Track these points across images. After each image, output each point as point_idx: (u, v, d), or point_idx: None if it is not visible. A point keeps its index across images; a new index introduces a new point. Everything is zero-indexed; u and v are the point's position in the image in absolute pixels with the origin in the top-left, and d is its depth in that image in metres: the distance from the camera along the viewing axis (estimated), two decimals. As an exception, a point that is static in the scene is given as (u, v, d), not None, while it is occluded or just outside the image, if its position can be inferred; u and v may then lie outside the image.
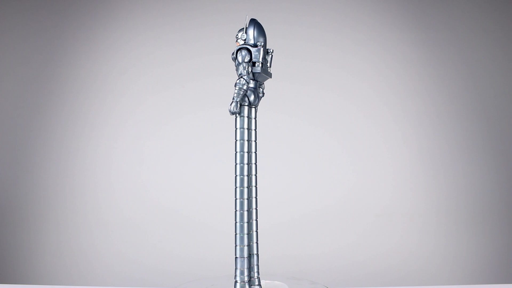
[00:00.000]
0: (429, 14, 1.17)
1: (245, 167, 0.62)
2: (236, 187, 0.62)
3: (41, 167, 1.16)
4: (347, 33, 1.16)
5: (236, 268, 0.62)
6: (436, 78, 1.15)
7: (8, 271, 1.14)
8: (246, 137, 0.62)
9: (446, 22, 1.17)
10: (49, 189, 1.15)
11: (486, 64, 1.16)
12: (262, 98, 0.65)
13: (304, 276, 0.92)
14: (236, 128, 0.62)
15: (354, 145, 1.15)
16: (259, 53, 0.62)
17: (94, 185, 1.15)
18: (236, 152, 0.62)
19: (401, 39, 1.16)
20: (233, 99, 0.60)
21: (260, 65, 0.62)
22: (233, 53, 0.63)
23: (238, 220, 0.61)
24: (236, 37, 0.64)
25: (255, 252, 0.64)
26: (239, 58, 0.62)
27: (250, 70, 0.62)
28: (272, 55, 0.65)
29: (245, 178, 0.62)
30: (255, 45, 0.62)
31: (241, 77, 0.61)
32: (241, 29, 0.63)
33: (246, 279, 0.61)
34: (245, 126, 0.62)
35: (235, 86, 0.60)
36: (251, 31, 0.63)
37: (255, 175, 0.65)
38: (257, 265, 0.64)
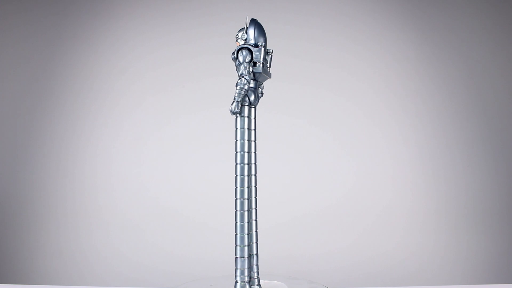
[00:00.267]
0: (429, 14, 1.17)
1: (246, 167, 0.62)
2: (236, 187, 0.62)
3: (41, 167, 1.16)
4: (347, 33, 1.16)
5: (236, 268, 0.62)
6: (436, 78, 1.15)
7: (8, 271, 1.14)
8: (246, 137, 0.62)
9: (446, 22, 1.17)
10: (49, 189, 1.15)
11: (486, 64, 1.16)
12: (262, 98, 0.65)
13: (304, 277, 0.92)
14: (236, 128, 0.62)
15: (354, 145, 1.15)
16: (260, 53, 0.62)
17: (94, 185, 1.15)
18: (236, 152, 0.62)
19: (401, 39, 1.16)
20: (234, 98, 0.60)
21: (261, 65, 0.62)
22: (233, 53, 0.63)
23: (238, 220, 0.61)
24: (236, 37, 0.64)
25: (254, 252, 0.64)
26: (240, 58, 0.62)
27: (251, 70, 0.62)
28: (271, 55, 0.65)
29: (246, 178, 0.62)
30: (256, 45, 0.62)
31: (243, 77, 0.61)
32: (241, 29, 0.63)
33: (246, 279, 0.61)
34: (246, 126, 0.62)
35: (236, 86, 0.60)
36: (251, 31, 0.63)
37: (255, 175, 0.65)
38: (257, 265, 0.64)
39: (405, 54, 1.16)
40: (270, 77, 0.66)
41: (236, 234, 0.61)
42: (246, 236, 0.61)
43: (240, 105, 0.60)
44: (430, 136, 1.14)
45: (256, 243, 0.64)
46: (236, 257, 0.61)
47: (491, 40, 1.16)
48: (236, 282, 0.62)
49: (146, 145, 1.16)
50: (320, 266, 1.11)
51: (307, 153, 1.15)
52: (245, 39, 0.63)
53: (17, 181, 1.16)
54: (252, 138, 0.64)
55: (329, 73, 1.16)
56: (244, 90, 0.60)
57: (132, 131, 1.16)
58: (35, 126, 1.16)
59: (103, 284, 1.10)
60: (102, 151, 1.16)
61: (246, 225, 0.61)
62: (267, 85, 0.67)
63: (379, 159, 1.15)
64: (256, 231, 0.65)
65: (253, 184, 0.64)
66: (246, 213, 0.61)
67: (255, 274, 0.64)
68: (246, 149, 0.62)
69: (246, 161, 0.62)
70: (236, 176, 0.62)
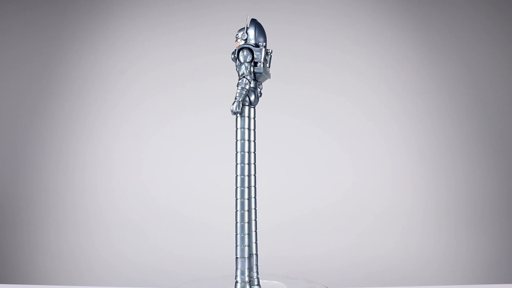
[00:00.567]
0: (429, 14, 1.17)
1: (246, 167, 0.62)
2: (236, 187, 0.61)
3: (41, 167, 1.15)
4: (347, 33, 1.16)
5: (236, 269, 0.61)
6: (436, 78, 1.15)
7: (8, 271, 1.14)
8: (246, 137, 0.62)
9: (446, 22, 1.17)
10: (49, 189, 1.15)
11: (486, 64, 1.16)
12: (261, 98, 0.65)
13: (304, 276, 0.92)
14: (236, 128, 0.62)
15: (354, 145, 1.15)
16: (261, 53, 0.62)
17: (94, 185, 1.15)
18: (236, 152, 0.62)
19: (401, 39, 1.16)
20: (235, 98, 0.60)
21: (262, 65, 0.62)
22: (233, 53, 0.63)
23: (238, 220, 0.61)
24: (236, 37, 0.64)
25: (254, 252, 0.64)
26: (241, 58, 0.62)
27: (252, 70, 0.62)
28: (271, 55, 0.65)
29: (246, 178, 0.61)
30: (256, 45, 0.62)
31: (244, 77, 0.61)
32: (241, 29, 0.63)
33: (246, 279, 0.61)
34: (246, 126, 0.62)
35: (237, 86, 0.60)
36: (251, 31, 0.63)
37: (254, 175, 0.65)
38: (256, 265, 0.64)
39: (405, 54, 1.16)
40: (270, 77, 0.66)
41: (236, 234, 0.61)
42: (246, 236, 0.61)
43: (241, 105, 0.60)
44: (430, 136, 1.14)
45: (256, 243, 0.64)
46: (237, 257, 0.61)
47: (491, 40, 1.16)
48: (236, 282, 0.61)
49: (146, 145, 1.16)
50: (320, 266, 1.11)
51: (307, 153, 1.15)
52: (245, 39, 0.63)
53: (17, 181, 1.16)
54: (252, 138, 0.64)
55: (329, 73, 1.16)
56: (245, 90, 0.60)
57: (132, 131, 1.16)
58: (35, 126, 1.16)
59: (103, 284, 1.10)
60: (102, 151, 1.16)
61: (246, 225, 0.61)
62: (267, 85, 0.67)
63: (379, 159, 1.15)
64: (256, 231, 0.64)
65: (252, 184, 0.64)
66: (246, 213, 0.61)
67: (255, 274, 0.64)
68: (246, 149, 0.62)
69: (246, 161, 0.62)
70: (237, 176, 0.61)
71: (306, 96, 1.16)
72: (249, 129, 0.62)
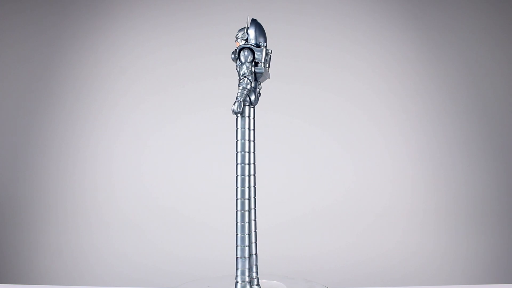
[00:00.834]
0: (429, 14, 1.17)
1: (246, 167, 0.61)
2: (237, 187, 0.61)
3: (41, 167, 1.15)
4: (347, 33, 1.16)
5: (237, 269, 0.61)
6: (436, 78, 1.15)
7: (8, 271, 1.14)
8: (247, 137, 0.62)
9: (446, 22, 1.17)
10: (49, 189, 1.15)
11: (486, 64, 1.16)
12: (261, 98, 0.65)
13: (303, 276, 0.92)
14: (237, 128, 0.62)
15: (354, 145, 1.15)
16: (262, 53, 0.62)
17: (94, 185, 1.15)
18: (237, 152, 0.62)
19: (401, 39, 1.16)
20: (236, 98, 0.60)
21: (263, 65, 0.62)
22: (233, 53, 0.63)
23: (239, 220, 0.61)
24: (236, 37, 0.64)
25: (254, 252, 0.64)
26: (242, 58, 0.62)
27: (253, 70, 0.62)
28: (270, 56, 0.65)
29: (246, 178, 0.61)
30: (257, 45, 0.62)
31: (245, 77, 0.61)
32: (241, 29, 0.63)
33: (247, 279, 0.61)
34: (246, 126, 0.62)
35: (239, 86, 0.60)
36: (252, 31, 0.63)
37: (254, 175, 0.65)
38: (256, 265, 0.64)
39: (405, 54, 1.16)
40: (269, 78, 0.66)
41: (236, 235, 0.61)
42: (246, 236, 0.61)
43: (242, 105, 0.60)
44: (430, 136, 1.14)
45: (256, 243, 0.64)
46: (237, 257, 0.61)
47: (491, 40, 1.16)
48: (236, 282, 0.61)
49: (146, 145, 1.16)
50: (320, 266, 1.11)
51: (307, 153, 1.15)
52: (246, 39, 0.63)
53: (17, 181, 1.16)
54: (251, 138, 0.64)
55: (329, 73, 1.16)
56: (246, 90, 0.60)
57: (132, 131, 1.16)
58: (35, 126, 1.16)
59: (103, 284, 1.10)
60: (102, 151, 1.16)
61: (246, 225, 0.61)
62: (267, 85, 0.67)
63: (378, 159, 1.15)
64: (256, 231, 0.64)
65: (252, 184, 0.64)
66: (246, 213, 0.61)
67: (255, 274, 0.64)
68: (247, 149, 0.62)
69: (247, 161, 0.62)
70: (237, 176, 0.61)
71: (306, 96, 1.16)
72: (249, 129, 0.62)
